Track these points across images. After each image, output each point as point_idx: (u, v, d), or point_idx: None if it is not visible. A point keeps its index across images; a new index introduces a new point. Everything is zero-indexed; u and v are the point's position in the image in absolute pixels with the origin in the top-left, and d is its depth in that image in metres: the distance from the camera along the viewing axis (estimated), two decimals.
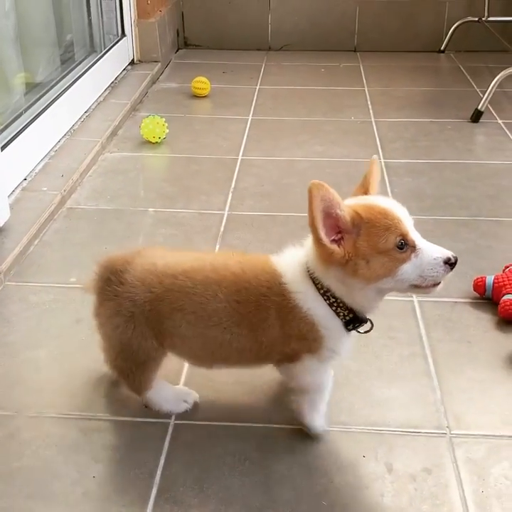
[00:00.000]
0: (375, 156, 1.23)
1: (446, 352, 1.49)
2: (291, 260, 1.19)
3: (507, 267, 1.69)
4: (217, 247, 1.88)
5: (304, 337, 1.17)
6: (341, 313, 1.16)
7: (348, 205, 1.12)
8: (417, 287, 1.13)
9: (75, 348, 1.49)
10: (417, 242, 1.11)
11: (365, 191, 1.19)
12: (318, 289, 1.15)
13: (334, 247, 1.09)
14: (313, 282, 1.16)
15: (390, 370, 1.44)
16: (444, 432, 1.29)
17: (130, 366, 1.27)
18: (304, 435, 1.27)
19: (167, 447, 1.25)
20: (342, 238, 1.10)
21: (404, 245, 1.10)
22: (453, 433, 1.28)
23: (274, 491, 1.17)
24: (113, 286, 1.22)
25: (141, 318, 1.21)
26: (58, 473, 1.19)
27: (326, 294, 1.15)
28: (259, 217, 2.05)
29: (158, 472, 1.20)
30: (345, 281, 1.13)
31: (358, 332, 1.22)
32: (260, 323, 1.17)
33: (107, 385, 1.39)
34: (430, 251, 1.11)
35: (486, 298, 1.65)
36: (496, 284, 1.63)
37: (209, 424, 1.30)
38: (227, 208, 2.10)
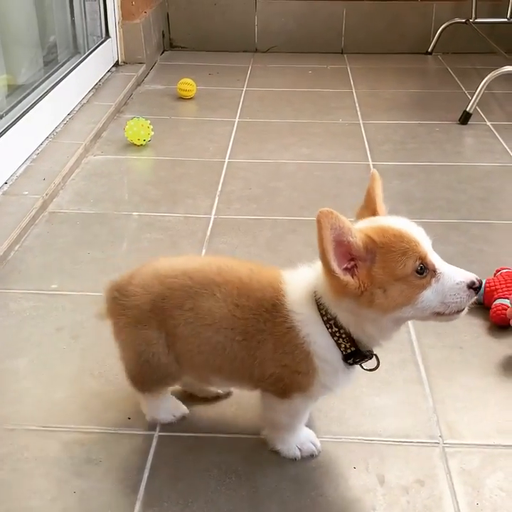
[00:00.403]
0: (374, 170, 1.15)
1: (437, 358, 1.46)
2: (300, 280, 1.12)
3: (498, 271, 1.66)
4: (204, 251, 1.84)
5: (296, 369, 1.10)
6: (343, 345, 1.08)
7: (359, 229, 1.03)
8: (439, 315, 1.04)
9: (56, 357, 1.45)
10: (437, 266, 1.03)
11: (373, 212, 1.10)
12: (322, 316, 1.08)
13: (348, 278, 1.01)
14: (319, 308, 1.08)
15: (380, 378, 1.40)
16: (437, 441, 1.25)
17: (149, 379, 1.22)
18: None
19: (151, 460, 1.21)
20: (355, 266, 1.02)
21: (424, 270, 1.01)
22: (446, 442, 1.25)
23: (262, 505, 1.12)
24: (120, 302, 1.18)
25: (148, 322, 1.15)
26: (37, 489, 1.15)
27: (329, 321, 1.07)
28: (246, 221, 2.01)
29: (142, 487, 1.16)
30: (359, 312, 1.04)
31: (363, 368, 1.15)
32: (256, 333, 1.11)
33: (89, 395, 1.35)
34: (452, 275, 1.02)
35: (478, 302, 1.61)
36: (488, 289, 1.60)
37: (194, 436, 1.26)
38: (213, 212, 2.06)
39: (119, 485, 1.16)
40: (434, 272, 1.02)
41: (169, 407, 1.29)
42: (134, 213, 2.05)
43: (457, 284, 1.02)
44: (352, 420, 1.30)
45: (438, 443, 1.25)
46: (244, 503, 1.13)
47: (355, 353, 1.09)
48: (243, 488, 1.15)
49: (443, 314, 1.04)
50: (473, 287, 1.02)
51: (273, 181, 2.27)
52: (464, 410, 1.32)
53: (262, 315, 1.11)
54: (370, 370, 1.15)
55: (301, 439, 1.21)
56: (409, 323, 1.55)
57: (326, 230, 0.98)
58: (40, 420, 1.29)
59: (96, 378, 1.39)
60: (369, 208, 1.11)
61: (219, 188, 2.21)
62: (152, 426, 1.28)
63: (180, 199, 2.14)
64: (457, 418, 1.30)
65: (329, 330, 1.08)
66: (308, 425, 1.25)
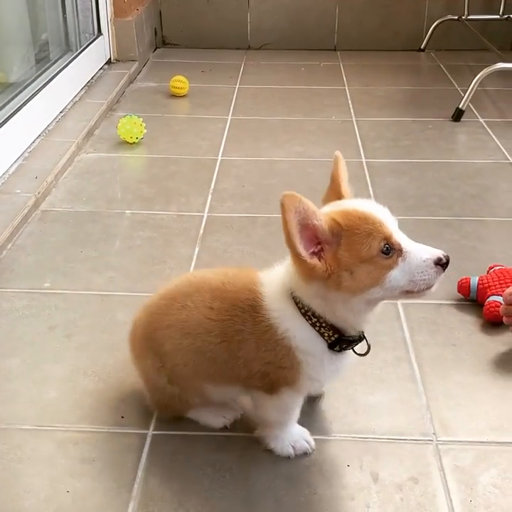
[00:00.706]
0: (337, 152, 1.14)
1: (431, 356, 1.46)
2: (275, 278, 1.13)
3: (491, 268, 1.66)
4: (197, 250, 1.84)
5: (280, 364, 1.10)
6: (326, 334, 1.08)
7: (325, 213, 1.04)
8: (409, 292, 1.04)
9: (49, 356, 1.44)
10: (403, 245, 1.02)
11: (338, 195, 1.11)
12: (300, 309, 1.08)
13: (315, 261, 1.01)
14: (295, 302, 1.09)
15: (374, 376, 1.40)
16: (431, 438, 1.25)
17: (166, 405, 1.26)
18: None
19: (145, 459, 1.20)
20: (322, 250, 1.02)
21: (390, 250, 1.01)
22: (439, 440, 1.25)
23: (256, 503, 1.12)
24: (130, 340, 1.28)
25: (146, 349, 1.22)
26: (31, 488, 1.14)
27: (307, 313, 1.08)
28: (239, 218, 2.01)
29: (136, 486, 1.15)
30: (328, 296, 1.05)
31: (355, 353, 1.15)
32: (234, 334, 1.12)
33: (82, 394, 1.34)
34: (418, 253, 1.02)
35: (471, 300, 1.62)
36: (481, 286, 1.60)
37: (188, 434, 1.26)
38: (206, 210, 2.06)
39: (113, 484, 1.16)
40: (400, 251, 1.02)
41: (216, 410, 1.28)
42: (127, 211, 2.05)
43: (424, 261, 1.02)
44: (346, 418, 1.30)
45: (431, 440, 1.25)
46: (239, 502, 1.13)
47: (340, 340, 1.09)
48: (237, 487, 1.15)
49: (413, 292, 1.04)
50: (440, 263, 1.03)
51: (266, 179, 2.27)
52: (457, 407, 1.32)
53: (239, 316, 1.12)
54: (361, 354, 1.15)
55: (295, 437, 1.22)
56: (403, 321, 1.55)
57: (289, 212, 0.98)
58: (33, 419, 1.28)
59: (89, 377, 1.39)
60: (334, 192, 1.12)
61: (212, 186, 2.21)
62: (145, 425, 1.27)
63: (173, 197, 2.14)
64: (450, 415, 1.30)
65: (309, 322, 1.08)
66: (302, 423, 1.25)
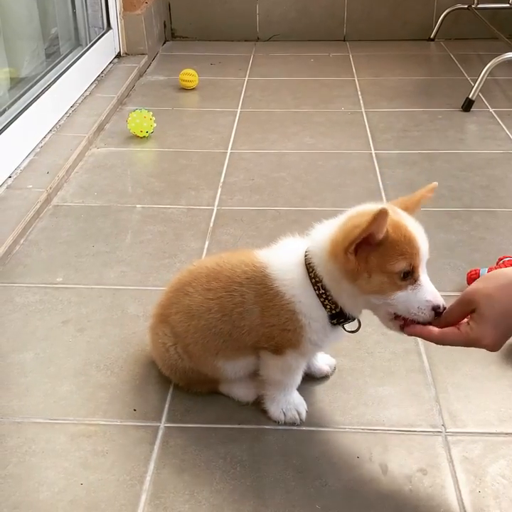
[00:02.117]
0: (435, 183, 1.22)
1: (440, 348, 1.45)
2: (285, 249, 1.23)
3: (501, 259, 1.67)
4: (207, 243, 1.85)
5: (284, 327, 1.18)
6: (328, 306, 1.17)
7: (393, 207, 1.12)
8: (396, 318, 1.14)
9: (62, 350, 1.46)
10: (420, 278, 1.11)
11: (406, 208, 1.17)
12: (311, 278, 1.16)
13: (352, 257, 1.09)
14: (308, 271, 1.17)
15: (383, 367, 1.41)
16: (440, 430, 1.26)
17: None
18: (296, 436, 1.25)
19: (157, 452, 1.22)
20: (360, 246, 1.09)
21: (408, 276, 1.10)
22: (448, 431, 1.26)
23: (267, 494, 1.14)
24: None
25: (161, 331, 1.32)
26: (45, 481, 1.17)
27: (317, 283, 1.16)
28: (249, 212, 2.02)
29: (148, 478, 1.17)
30: (341, 282, 1.13)
31: (344, 329, 1.22)
32: (234, 307, 1.22)
33: (95, 388, 1.36)
34: (427, 292, 1.11)
35: None
36: None
37: (199, 427, 1.27)
38: (216, 203, 2.07)
39: (126, 476, 1.18)
40: (415, 280, 1.11)
41: (247, 383, 1.33)
42: (138, 205, 2.06)
43: (427, 301, 1.11)
44: (355, 410, 1.31)
45: (440, 432, 1.26)
46: (249, 493, 1.14)
47: (340, 314, 1.18)
48: (248, 479, 1.17)
49: (398, 319, 1.13)
50: (436, 311, 1.11)
51: (276, 172, 2.28)
52: (466, 399, 1.33)
53: (237, 290, 1.21)
54: (352, 331, 1.23)
55: (289, 405, 1.28)
56: None
57: (374, 226, 1.05)
58: (46, 413, 1.30)
59: (102, 371, 1.41)
60: (405, 204, 1.19)
61: (221, 179, 2.22)
62: (157, 417, 1.29)
63: (183, 191, 2.15)
64: (459, 407, 1.31)
65: (317, 292, 1.17)
66: (311, 416, 1.27)
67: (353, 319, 1.21)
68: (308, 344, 1.20)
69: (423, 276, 1.12)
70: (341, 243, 1.10)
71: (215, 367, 1.28)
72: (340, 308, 1.17)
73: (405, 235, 1.09)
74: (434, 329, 1.11)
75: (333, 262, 1.12)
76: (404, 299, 1.11)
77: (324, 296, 1.16)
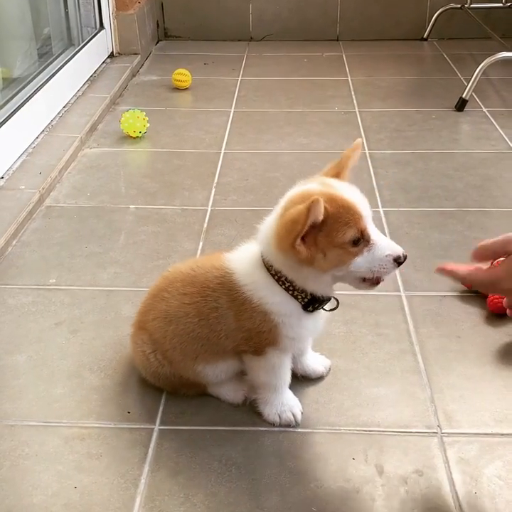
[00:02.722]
0: (359, 140, 1.22)
1: (435, 348, 1.46)
2: (244, 254, 1.24)
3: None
4: (201, 244, 1.84)
5: (259, 329, 1.19)
6: (299, 297, 1.17)
7: (316, 189, 1.11)
8: (364, 281, 1.15)
9: (55, 352, 1.45)
10: (372, 237, 1.12)
11: (337, 174, 1.18)
12: (273, 276, 1.17)
13: (302, 248, 1.09)
14: (268, 270, 1.17)
15: (378, 368, 1.41)
16: (435, 431, 1.26)
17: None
18: (291, 438, 1.24)
19: (151, 454, 1.21)
20: (306, 235, 1.09)
21: (359, 241, 1.11)
22: (444, 432, 1.25)
23: (262, 497, 1.13)
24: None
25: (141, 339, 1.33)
26: (39, 484, 1.16)
27: (280, 279, 1.16)
28: (243, 212, 2.01)
29: (143, 480, 1.16)
30: (301, 270, 1.14)
31: (325, 310, 1.23)
32: (210, 312, 1.22)
33: (88, 390, 1.35)
34: (383, 248, 1.12)
35: (475, 291, 1.62)
36: None
37: (194, 429, 1.27)
38: (210, 204, 2.06)
39: (120, 479, 1.17)
40: (367, 242, 1.12)
41: (235, 385, 1.33)
42: (131, 206, 2.05)
43: (386, 256, 1.12)
44: (350, 411, 1.30)
45: (436, 433, 1.25)
46: (245, 496, 1.13)
47: (313, 300, 1.18)
48: (243, 481, 1.16)
49: (367, 280, 1.15)
50: (398, 261, 1.12)
51: (269, 172, 2.27)
52: (461, 399, 1.32)
53: (211, 295, 1.22)
54: (331, 310, 1.24)
55: (283, 407, 1.28)
56: (407, 313, 1.56)
57: (311, 217, 1.05)
58: (40, 416, 1.29)
59: (95, 373, 1.40)
60: (336, 170, 1.19)
61: (215, 180, 2.21)
62: (151, 420, 1.28)
63: (177, 191, 2.14)
64: (455, 407, 1.31)
65: (283, 286, 1.17)
66: (306, 417, 1.26)
67: (329, 299, 1.21)
68: (286, 340, 1.20)
69: (373, 234, 1.12)
70: (286, 239, 1.09)
71: (196, 371, 1.28)
72: (311, 294, 1.17)
73: (343, 205, 1.09)
74: (461, 269, 1.07)
75: (285, 257, 1.13)
76: (365, 262, 1.11)
77: (292, 288, 1.16)
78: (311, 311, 1.19)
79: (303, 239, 1.09)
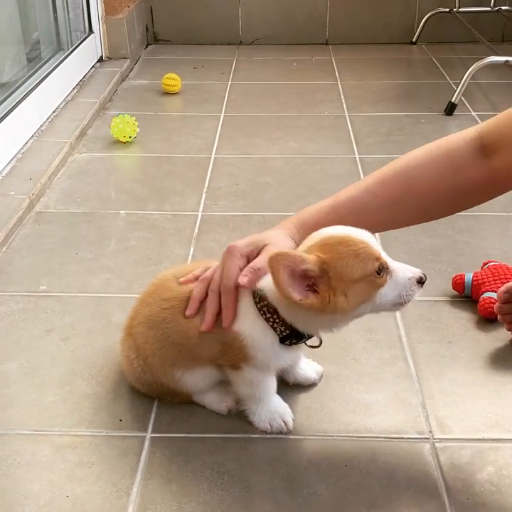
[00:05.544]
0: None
1: (427, 353, 1.46)
2: None
3: (486, 264, 1.67)
4: (192, 249, 1.84)
5: (232, 344, 1.17)
6: (278, 329, 1.14)
7: (308, 248, 1.10)
8: (396, 305, 1.12)
9: (46, 360, 1.45)
10: (389, 264, 1.10)
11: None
12: (256, 303, 1.13)
13: (311, 299, 1.06)
14: (253, 295, 1.14)
15: (370, 374, 1.41)
16: (427, 436, 1.26)
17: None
18: (283, 445, 1.24)
19: (143, 462, 1.21)
20: (315, 284, 1.07)
21: (382, 270, 1.08)
22: (436, 438, 1.26)
23: (255, 505, 1.13)
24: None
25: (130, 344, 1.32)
26: (30, 494, 1.15)
27: (263, 308, 1.13)
28: (234, 217, 2.01)
29: (135, 489, 1.16)
30: (317, 318, 1.10)
31: (306, 345, 1.21)
32: (184, 322, 1.20)
33: (80, 398, 1.34)
34: (403, 271, 1.10)
35: (466, 296, 1.62)
36: (475, 282, 1.60)
37: (186, 437, 1.26)
38: (200, 209, 2.06)
39: (112, 487, 1.16)
40: (387, 269, 1.09)
41: (220, 395, 1.31)
42: (121, 212, 2.05)
43: (409, 279, 1.10)
44: (342, 417, 1.30)
45: (428, 438, 1.26)
46: (238, 504, 1.13)
47: (291, 335, 1.14)
48: (236, 489, 1.16)
49: (401, 304, 1.11)
50: (421, 282, 1.11)
51: (260, 176, 2.27)
52: (453, 405, 1.33)
53: (187, 300, 1.20)
54: (313, 347, 1.22)
55: (273, 415, 1.26)
56: (399, 319, 1.56)
57: (279, 273, 1.03)
58: (31, 424, 1.29)
59: (86, 380, 1.39)
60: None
61: (206, 185, 2.21)
62: (143, 427, 1.28)
63: (168, 196, 2.14)
64: (447, 413, 1.31)
65: (263, 316, 1.13)
66: (298, 424, 1.26)
67: (310, 337, 1.17)
68: (257, 361, 1.17)
69: (389, 260, 1.10)
70: (287, 298, 1.06)
71: (175, 378, 1.26)
72: (293, 328, 1.13)
73: (338, 242, 1.07)
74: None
75: (298, 308, 1.08)
76: (390, 291, 1.09)
77: (272, 320, 1.13)
78: (287, 345, 1.16)
79: (313, 290, 1.07)
